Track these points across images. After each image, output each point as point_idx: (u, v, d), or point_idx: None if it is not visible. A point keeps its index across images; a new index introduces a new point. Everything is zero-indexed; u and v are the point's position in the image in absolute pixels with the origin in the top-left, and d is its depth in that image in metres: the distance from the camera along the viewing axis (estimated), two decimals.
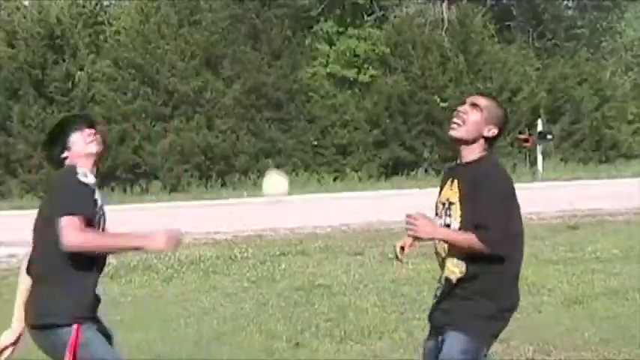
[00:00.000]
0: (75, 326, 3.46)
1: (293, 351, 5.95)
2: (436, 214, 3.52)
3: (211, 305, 7.72)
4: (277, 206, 13.88)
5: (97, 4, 28.67)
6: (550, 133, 26.19)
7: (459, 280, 3.36)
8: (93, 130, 3.69)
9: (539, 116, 26.53)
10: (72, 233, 3.34)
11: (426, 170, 25.75)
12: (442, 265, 3.51)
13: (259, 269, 9.58)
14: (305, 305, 7.50)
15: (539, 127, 26.03)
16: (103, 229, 3.63)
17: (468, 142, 3.37)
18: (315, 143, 25.48)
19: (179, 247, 3.42)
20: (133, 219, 16.29)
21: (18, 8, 27.45)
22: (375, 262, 9.86)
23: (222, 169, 24.54)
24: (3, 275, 9.84)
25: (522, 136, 25.98)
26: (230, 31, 25.61)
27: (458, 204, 3.36)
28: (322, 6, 27.51)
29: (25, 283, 3.70)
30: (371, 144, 25.74)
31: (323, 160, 25.54)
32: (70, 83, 24.40)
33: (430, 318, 3.57)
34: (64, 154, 3.64)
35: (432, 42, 26.87)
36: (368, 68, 26.85)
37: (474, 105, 3.38)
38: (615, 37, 34.23)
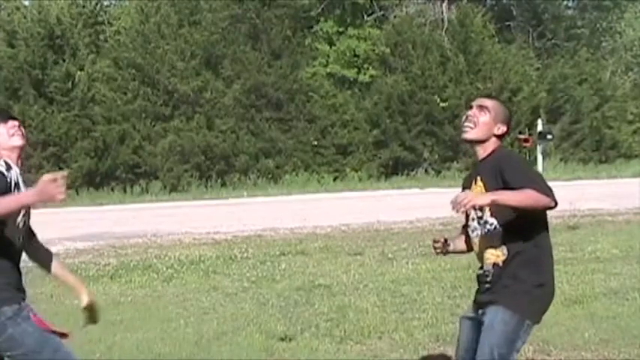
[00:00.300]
0: None
1: (293, 351, 5.95)
2: (467, 217, 3.67)
3: (211, 305, 7.72)
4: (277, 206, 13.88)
5: (97, 4, 28.71)
6: (550, 133, 26.19)
7: (504, 261, 3.54)
8: (16, 123, 3.69)
9: (539, 116, 26.54)
10: None
11: (425, 170, 25.76)
12: (480, 257, 3.67)
13: (259, 269, 9.58)
14: (305, 305, 7.49)
15: (539, 127, 26.04)
16: (25, 223, 3.60)
17: (481, 142, 3.62)
18: (315, 143, 25.49)
19: (61, 195, 3.20)
20: (133, 219, 16.33)
21: (18, 8, 27.49)
22: (375, 262, 9.85)
23: (222, 169, 24.55)
24: None
25: (522, 136, 25.98)
26: (230, 31, 25.62)
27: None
28: (322, 6, 27.52)
29: None
30: (371, 144, 25.75)
31: (323, 160, 25.55)
32: (70, 83, 24.41)
33: (475, 299, 3.74)
34: None
35: (432, 42, 26.88)
36: (368, 68, 26.86)
37: (482, 107, 3.63)
38: (615, 37, 34.24)
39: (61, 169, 23.87)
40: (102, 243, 12.55)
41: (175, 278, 9.25)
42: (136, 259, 10.65)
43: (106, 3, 30.07)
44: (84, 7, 27.78)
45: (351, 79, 26.91)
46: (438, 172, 25.47)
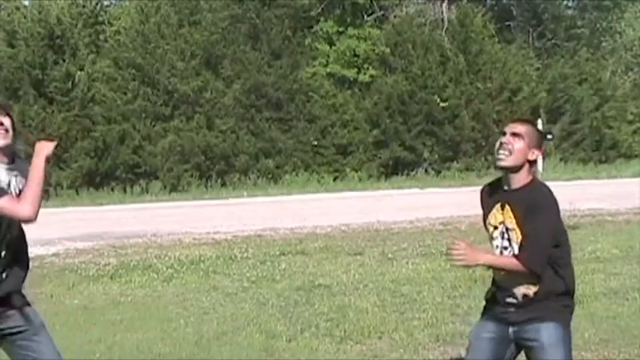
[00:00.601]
0: None
1: (293, 351, 5.95)
2: (491, 238, 3.71)
3: (211, 305, 7.73)
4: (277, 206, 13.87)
5: (97, 4, 28.70)
6: (550, 133, 26.15)
7: (536, 292, 3.63)
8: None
9: (539, 116, 26.51)
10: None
11: (425, 170, 25.74)
12: (505, 278, 3.70)
13: (259, 269, 9.58)
14: (305, 305, 7.50)
15: (539, 127, 25.99)
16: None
17: (516, 169, 3.64)
18: (315, 143, 25.47)
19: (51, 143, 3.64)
20: (133, 219, 16.32)
21: (18, 8, 27.49)
22: (375, 262, 9.86)
23: (222, 169, 24.54)
24: None
25: None
26: (230, 31, 25.61)
27: (517, 229, 3.58)
28: (322, 6, 27.52)
29: None
30: (371, 144, 25.73)
31: (323, 160, 25.53)
32: (70, 83, 24.39)
33: (497, 316, 3.74)
34: None
35: (432, 42, 26.86)
36: (368, 68, 26.85)
37: (515, 134, 3.65)
38: (615, 37, 34.21)
39: (61, 169, 23.88)
40: (102, 243, 12.55)
41: (175, 278, 9.26)
42: (136, 259, 10.66)
43: (106, 3, 30.07)
44: (84, 7, 27.77)
45: (351, 79, 26.90)
46: (438, 172, 25.46)
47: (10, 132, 3.70)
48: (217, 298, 8.07)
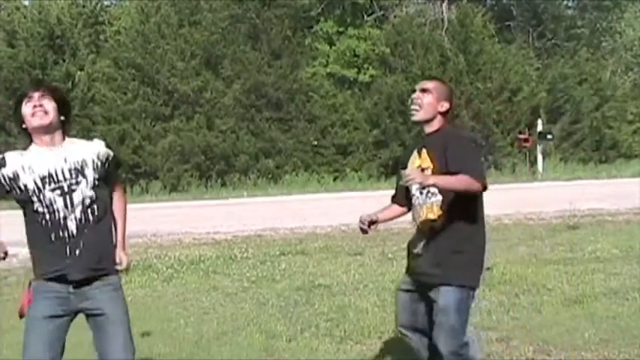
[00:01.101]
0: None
1: (293, 351, 5.94)
2: (406, 182, 3.91)
3: (211, 305, 7.72)
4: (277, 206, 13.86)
5: (97, 4, 28.70)
6: (550, 133, 26.18)
7: (443, 229, 3.85)
8: (36, 101, 3.70)
9: (539, 116, 26.52)
10: None
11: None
12: (420, 230, 4.01)
13: (259, 269, 9.57)
14: (305, 305, 7.49)
15: (539, 127, 26.02)
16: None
17: (428, 121, 3.97)
18: (315, 143, 25.48)
19: None
20: (133, 219, 16.31)
21: (18, 8, 27.48)
22: (375, 262, 9.85)
23: (222, 169, 24.54)
24: (3, 275, 9.84)
25: (522, 136, 25.98)
26: (230, 31, 25.61)
27: (431, 168, 3.86)
28: (322, 6, 27.52)
29: None
30: (371, 144, 25.74)
31: (323, 160, 25.54)
32: (70, 83, 24.41)
33: (414, 270, 4.07)
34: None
35: (432, 42, 26.87)
36: (368, 68, 26.85)
37: (424, 90, 3.98)
38: (615, 37, 34.21)
39: None
40: None
41: (175, 278, 9.25)
42: (136, 259, 10.64)
43: (106, 3, 30.08)
44: (84, 7, 27.78)
45: (351, 79, 26.90)
46: None
47: (51, 114, 3.71)
48: (217, 298, 8.07)
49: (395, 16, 28.62)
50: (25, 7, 27.65)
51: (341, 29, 27.35)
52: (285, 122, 25.38)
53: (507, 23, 30.77)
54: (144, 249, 11.73)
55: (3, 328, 6.63)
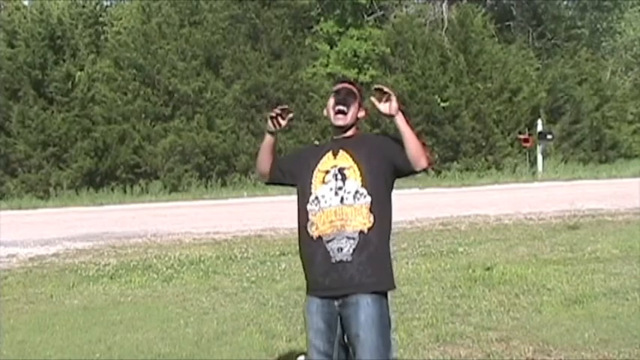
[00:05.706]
0: None
1: (293, 351, 5.94)
2: (323, 182, 3.84)
3: (211, 305, 7.72)
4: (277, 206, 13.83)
5: (97, 5, 28.73)
6: (550, 133, 26.18)
7: (370, 229, 3.75)
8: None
9: (539, 116, 26.52)
10: None
11: (425, 170, 25.75)
12: (334, 228, 3.80)
13: (259, 269, 9.57)
14: None
15: (539, 127, 26.02)
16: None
17: (350, 126, 4.03)
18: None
19: None
20: (133, 219, 16.32)
21: (18, 8, 27.52)
22: None
23: (222, 169, 24.54)
24: (3, 275, 9.84)
25: (522, 136, 25.98)
26: (230, 31, 25.62)
27: (354, 166, 3.85)
28: (322, 6, 27.52)
29: None
30: None
31: None
32: (70, 83, 24.41)
33: (330, 279, 3.95)
34: None
35: (432, 42, 26.87)
36: (368, 68, 26.84)
37: (350, 94, 4.09)
38: (615, 37, 34.22)
39: (61, 169, 23.89)
40: (102, 243, 12.55)
41: (175, 278, 9.25)
42: (136, 259, 10.65)
43: (106, 3, 30.10)
44: (84, 7, 27.81)
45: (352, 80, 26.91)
46: (438, 172, 25.45)
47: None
48: (217, 298, 8.07)
49: (395, 16, 28.62)
50: (25, 7, 27.69)
51: (341, 29, 27.34)
52: None
53: (507, 23, 30.77)
54: (144, 249, 11.73)
55: (3, 328, 6.63)
